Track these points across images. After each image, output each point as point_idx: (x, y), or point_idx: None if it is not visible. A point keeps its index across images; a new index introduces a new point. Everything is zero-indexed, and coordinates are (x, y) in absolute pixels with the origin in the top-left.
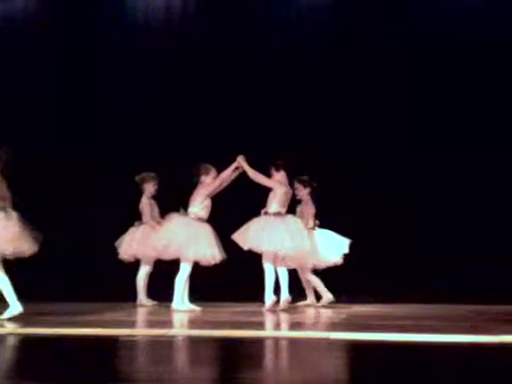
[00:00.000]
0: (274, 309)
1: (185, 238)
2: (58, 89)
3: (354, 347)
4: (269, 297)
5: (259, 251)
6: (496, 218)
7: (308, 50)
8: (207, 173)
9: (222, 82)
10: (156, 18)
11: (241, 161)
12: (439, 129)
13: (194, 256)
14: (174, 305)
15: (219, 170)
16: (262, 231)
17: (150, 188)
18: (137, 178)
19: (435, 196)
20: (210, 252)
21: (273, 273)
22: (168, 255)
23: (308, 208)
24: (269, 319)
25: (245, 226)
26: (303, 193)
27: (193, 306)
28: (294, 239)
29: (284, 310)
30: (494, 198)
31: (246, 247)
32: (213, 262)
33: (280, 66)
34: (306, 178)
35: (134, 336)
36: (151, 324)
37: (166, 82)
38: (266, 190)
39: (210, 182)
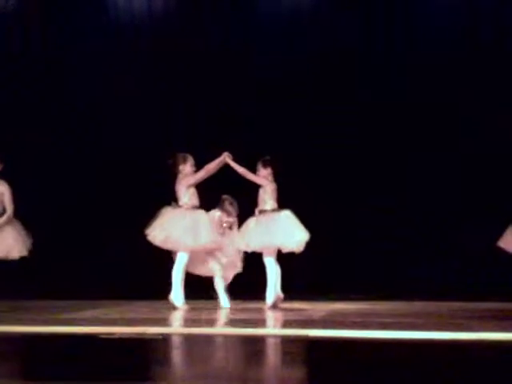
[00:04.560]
0: (277, 305)
1: (183, 229)
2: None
3: (333, 344)
4: (270, 294)
5: (266, 250)
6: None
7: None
8: (185, 162)
9: (206, 79)
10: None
11: (228, 159)
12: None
13: (192, 245)
14: (172, 296)
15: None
16: (267, 229)
17: None
18: None
19: (421, 190)
20: (210, 238)
21: (275, 268)
22: (166, 247)
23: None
24: (246, 317)
25: (243, 229)
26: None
27: (181, 304)
28: (296, 233)
29: (275, 307)
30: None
31: (250, 249)
32: (214, 246)
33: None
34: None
35: (113, 334)
36: (132, 322)
37: (153, 78)
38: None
39: (190, 171)
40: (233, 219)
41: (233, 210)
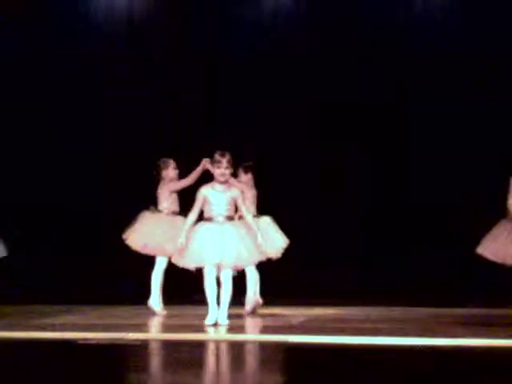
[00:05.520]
0: (256, 311)
1: (162, 235)
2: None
3: (313, 350)
4: (249, 300)
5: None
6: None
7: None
8: (166, 167)
9: (189, 82)
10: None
11: (208, 165)
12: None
13: (171, 251)
14: (151, 301)
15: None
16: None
17: None
18: None
19: (402, 196)
20: None
21: (254, 273)
22: (144, 253)
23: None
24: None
25: None
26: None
27: (160, 309)
28: (276, 240)
29: (253, 313)
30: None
31: None
32: None
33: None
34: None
35: (90, 340)
36: (110, 327)
37: (137, 81)
38: None
39: (173, 175)
40: (224, 170)
41: (222, 159)
